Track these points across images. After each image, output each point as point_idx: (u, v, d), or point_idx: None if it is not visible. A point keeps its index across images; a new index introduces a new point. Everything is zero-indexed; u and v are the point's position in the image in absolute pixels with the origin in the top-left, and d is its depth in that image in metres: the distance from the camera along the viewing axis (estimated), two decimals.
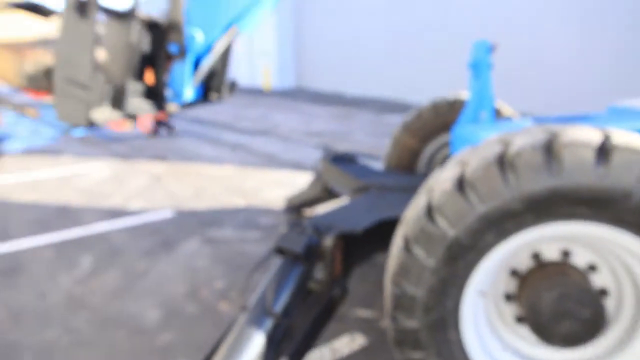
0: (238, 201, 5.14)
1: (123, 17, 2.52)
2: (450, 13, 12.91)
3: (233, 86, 3.63)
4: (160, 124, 9.07)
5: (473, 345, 1.84)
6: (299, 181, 5.79)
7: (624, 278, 1.82)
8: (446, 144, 3.66)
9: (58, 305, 3.09)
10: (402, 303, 1.79)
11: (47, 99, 2.78)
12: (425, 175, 3.58)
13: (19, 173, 6.38)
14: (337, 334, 2.68)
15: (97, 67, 2.43)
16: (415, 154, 3.71)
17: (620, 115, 2.53)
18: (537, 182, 1.58)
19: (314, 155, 7.45)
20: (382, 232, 2.34)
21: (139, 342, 2.70)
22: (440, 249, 1.70)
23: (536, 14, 11.04)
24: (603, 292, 1.82)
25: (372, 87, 15.37)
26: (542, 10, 10.93)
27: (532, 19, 11.11)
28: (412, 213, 1.83)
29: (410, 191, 2.92)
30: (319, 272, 2.08)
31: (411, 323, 1.79)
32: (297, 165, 6.74)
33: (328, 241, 2.08)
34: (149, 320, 2.91)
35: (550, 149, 1.59)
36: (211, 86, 3.24)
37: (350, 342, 2.62)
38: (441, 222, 1.69)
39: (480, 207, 1.64)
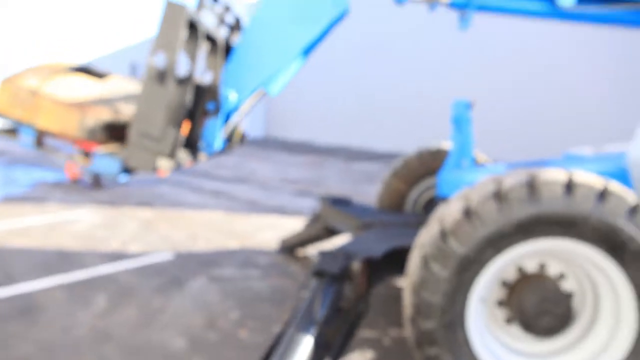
0: (232, 243, 5.51)
1: (183, 81, 3.01)
2: (414, 69, 14.01)
3: (244, 137, 4.11)
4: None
5: (476, 341, 2.32)
6: (286, 224, 6.22)
7: (586, 283, 2.38)
8: (429, 187, 4.25)
9: (85, 338, 3.34)
10: (421, 309, 2.27)
11: (99, 149, 3.19)
12: (413, 213, 4.13)
13: (5, 220, 6.51)
14: (349, 350, 3.09)
15: (168, 123, 2.89)
16: (402, 196, 4.27)
17: (572, 160, 3.18)
18: (523, 210, 2.14)
19: (294, 201, 7.93)
20: (392, 259, 2.84)
21: None
22: (453, 263, 2.20)
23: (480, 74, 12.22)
24: (570, 295, 2.37)
25: (340, 136, 16.19)
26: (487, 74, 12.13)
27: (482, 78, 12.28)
28: (426, 237, 2.34)
29: (406, 226, 3.45)
30: (348, 291, 2.53)
31: (429, 324, 2.26)
32: (281, 210, 7.19)
33: (356, 265, 2.55)
34: (176, 347, 3.21)
35: (532, 186, 2.16)
36: (231, 138, 3.71)
37: (360, 356, 3.03)
38: (453, 242, 2.21)
39: (482, 230, 2.17)
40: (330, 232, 4.34)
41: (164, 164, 2.94)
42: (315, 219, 4.56)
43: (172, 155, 2.92)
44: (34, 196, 8.17)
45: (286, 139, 18.51)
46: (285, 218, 6.63)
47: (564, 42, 10.91)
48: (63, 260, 4.98)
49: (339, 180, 9.93)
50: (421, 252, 2.32)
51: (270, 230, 5.99)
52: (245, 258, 4.99)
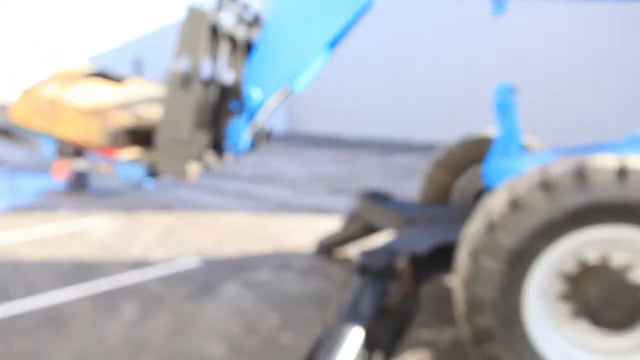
0: (264, 247, 5.85)
1: (207, 83, 3.37)
2: (443, 53, 14.18)
3: (269, 135, 4.44)
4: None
5: (538, 337, 2.58)
6: (321, 225, 6.54)
7: None
8: (475, 178, 4.49)
9: (120, 348, 3.71)
10: (474, 305, 2.54)
11: (121, 155, 3.57)
12: (460, 206, 4.39)
13: (16, 230, 7.02)
14: (401, 352, 3.38)
15: (196, 127, 3.25)
16: (447, 188, 4.53)
17: (636, 142, 3.39)
18: (573, 199, 2.39)
19: (327, 200, 8.25)
20: (440, 255, 3.11)
21: None
22: (503, 255, 2.47)
23: (544, 52, 12.29)
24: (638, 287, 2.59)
25: (372, 128, 16.46)
26: (551, 48, 12.20)
27: (542, 57, 12.36)
28: (473, 231, 2.60)
29: (453, 220, 3.72)
30: (394, 289, 2.82)
31: (484, 321, 2.53)
32: (313, 210, 7.52)
33: (401, 262, 2.83)
34: (216, 354, 3.56)
35: (581, 174, 2.41)
36: (258, 137, 4.05)
37: (414, 358, 3.32)
38: (501, 234, 2.47)
39: (531, 220, 2.43)
40: (371, 231, 4.64)
41: (193, 168, 3.29)
42: (354, 217, 4.85)
43: (201, 158, 3.27)
44: (43, 205, 8.72)
45: (312, 133, 18.87)
46: (319, 218, 6.95)
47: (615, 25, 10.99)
48: (84, 270, 5.41)
49: (375, 176, 10.20)
50: (469, 246, 2.59)
51: (304, 232, 6.32)
52: (279, 261, 5.33)
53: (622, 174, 2.37)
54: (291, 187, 9.42)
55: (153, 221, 7.26)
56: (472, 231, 2.63)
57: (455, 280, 2.73)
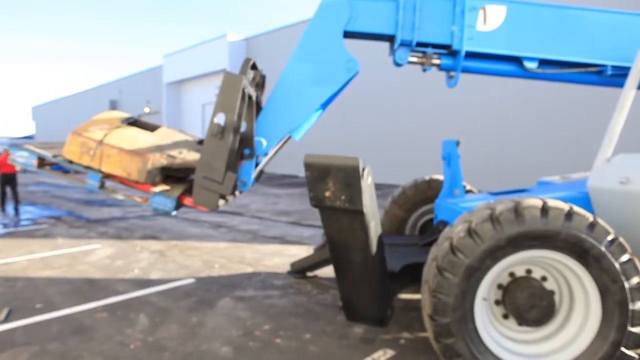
0: (246, 269, 6.07)
1: (235, 134, 3.68)
2: (403, 113, 14.97)
3: (260, 174, 4.76)
4: None
5: (483, 332, 3.00)
6: (290, 251, 6.83)
7: (562, 283, 3.10)
8: (425, 213, 4.97)
9: (142, 350, 3.83)
10: (438, 307, 2.93)
11: (153, 190, 3.80)
12: (412, 235, 4.83)
13: (19, 254, 6.88)
14: (373, 351, 3.71)
15: (228, 169, 3.53)
16: (403, 221, 4.97)
17: (544, 187, 3.96)
18: (512, 229, 2.86)
19: (291, 231, 8.54)
20: (407, 272, 3.52)
21: None
22: (461, 271, 2.89)
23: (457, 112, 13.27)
24: (552, 292, 3.08)
25: None
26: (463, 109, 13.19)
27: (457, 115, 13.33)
28: (439, 252, 3.02)
29: (411, 246, 4.14)
30: None
31: (445, 319, 2.92)
32: (281, 239, 7.79)
33: None
34: (223, 353, 3.76)
35: (517, 210, 2.89)
36: (258, 177, 4.37)
37: (383, 354, 3.66)
38: (460, 255, 2.90)
39: (482, 245, 2.87)
40: None
41: (221, 202, 3.58)
42: (326, 243, 5.19)
43: (231, 194, 3.56)
44: (39, 230, 8.54)
45: (271, 173, 19.17)
46: (287, 246, 7.23)
47: (529, 92, 12.06)
48: (93, 287, 5.44)
49: None
50: (436, 263, 3.00)
51: (277, 257, 6.59)
52: (261, 280, 5.57)
53: (544, 210, 2.87)
54: (258, 220, 9.65)
55: (144, 246, 7.31)
56: (437, 252, 3.04)
57: (423, 290, 3.12)
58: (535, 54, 3.87)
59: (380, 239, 3.21)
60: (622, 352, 2.84)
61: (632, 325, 2.83)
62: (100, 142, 3.83)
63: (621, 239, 2.87)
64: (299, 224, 9.38)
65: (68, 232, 8.53)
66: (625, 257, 2.84)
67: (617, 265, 2.82)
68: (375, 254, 3.15)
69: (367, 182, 2.98)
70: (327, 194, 2.92)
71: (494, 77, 4.32)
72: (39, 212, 11.21)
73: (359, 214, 2.94)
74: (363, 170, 2.90)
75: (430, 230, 4.49)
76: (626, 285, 2.82)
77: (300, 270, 5.63)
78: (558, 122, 12.00)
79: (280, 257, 6.54)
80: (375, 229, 3.15)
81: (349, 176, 2.85)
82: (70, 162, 3.93)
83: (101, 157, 3.80)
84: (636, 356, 2.90)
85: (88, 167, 3.87)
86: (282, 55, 4.09)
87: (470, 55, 3.91)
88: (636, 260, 2.84)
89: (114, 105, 31.57)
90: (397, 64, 4.02)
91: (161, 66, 28.14)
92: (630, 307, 2.81)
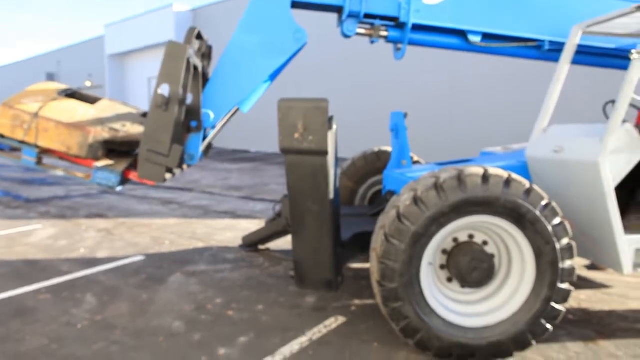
0: (197, 244, 6.03)
1: (180, 105, 3.60)
2: (348, 84, 15.01)
3: (209, 148, 4.72)
4: None
5: (428, 295, 3.15)
6: (242, 225, 6.83)
7: (502, 246, 3.30)
8: (374, 184, 5.09)
9: (90, 329, 3.76)
10: (386, 273, 3.05)
11: (96, 165, 3.68)
12: (362, 206, 4.95)
13: None
14: (324, 318, 3.82)
15: (173, 141, 3.45)
16: (353, 192, 5.07)
17: (487, 157, 4.15)
18: (455, 196, 2.99)
19: (243, 206, 8.52)
20: (357, 241, 3.62)
21: (177, 341, 3.56)
22: (407, 238, 3.00)
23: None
24: (492, 255, 3.27)
25: (275, 144, 16.86)
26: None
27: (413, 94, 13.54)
28: (386, 220, 3.12)
29: (360, 216, 4.25)
30: None
31: (392, 284, 3.04)
32: (232, 214, 7.77)
33: None
34: (175, 327, 3.76)
35: (460, 178, 3.02)
36: (206, 150, 4.32)
37: (335, 321, 3.78)
38: (407, 222, 3.01)
39: (427, 212, 3.00)
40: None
41: (168, 176, 3.52)
42: (277, 216, 5.23)
43: (178, 167, 3.50)
44: None
45: (223, 148, 18.90)
46: (239, 220, 7.23)
47: (477, 67, 12.40)
48: (34, 268, 5.24)
49: (281, 185, 10.61)
50: (383, 231, 3.10)
51: (229, 231, 6.57)
52: (213, 255, 5.56)
53: (485, 178, 3.01)
54: (209, 195, 9.55)
55: (90, 225, 7.10)
56: (385, 220, 3.15)
57: (371, 257, 3.23)
58: (479, 28, 4.00)
59: (336, 191, 3.36)
60: (552, 307, 3.07)
61: (561, 282, 3.06)
62: (35, 115, 3.66)
63: (554, 204, 3.07)
64: (251, 198, 9.36)
65: (4, 213, 8.14)
66: (557, 221, 3.04)
67: (549, 228, 3.02)
68: (331, 205, 3.30)
69: (332, 130, 3.20)
70: (296, 135, 3.10)
71: (443, 51, 4.43)
72: None
73: (323, 155, 3.12)
74: (330, 118, 3.10)
75: (379, 201, 4.62)
76: (557, 246, 3.03)
77: (252, 243, 5.66)
78: (502, 96, 12.46)
79: (232, 232, 6.54)
80: (333, 179, 3.33)
81: (317, 116, 3.06)
82: (2, 136, 3.74)
83: (37, 131, 3.64)
84: (564, 309, 3.15)
85: (23, 142, 3.69)
86: (231, 27, 4.01)
87: (417, 28, 3.98)
88: (566, 223, 3.06)
89: (51, 78, 29.78)
90: (345, 36, 4.04)
91: (103, 37, 26.80)
92: (560, 265, 3.04)
